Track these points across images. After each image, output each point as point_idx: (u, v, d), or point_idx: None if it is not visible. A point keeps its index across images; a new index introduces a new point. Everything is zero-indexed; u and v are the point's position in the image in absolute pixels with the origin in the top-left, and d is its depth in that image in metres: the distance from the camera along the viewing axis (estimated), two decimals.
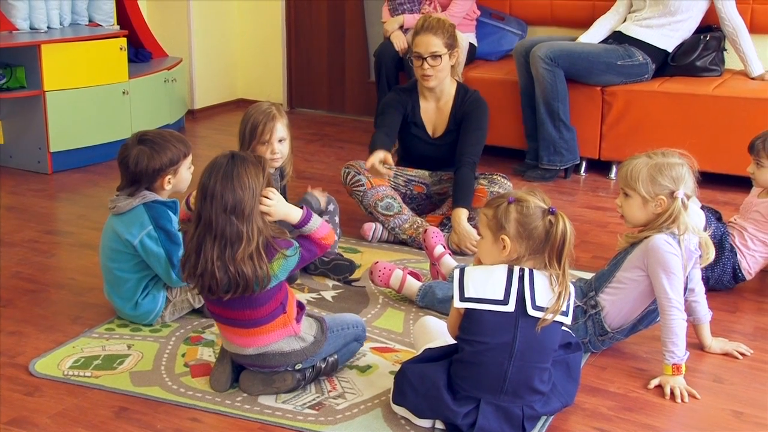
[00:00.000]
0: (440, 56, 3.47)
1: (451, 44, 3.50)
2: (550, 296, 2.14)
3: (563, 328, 2.38)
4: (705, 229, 2.66)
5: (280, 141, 3.02)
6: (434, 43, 3.46)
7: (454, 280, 2.16)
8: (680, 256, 2.44)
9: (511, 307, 2.11)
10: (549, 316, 2.11)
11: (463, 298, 2.13)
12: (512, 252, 2.14)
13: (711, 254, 2.53)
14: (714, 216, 3.04)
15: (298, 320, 2.37)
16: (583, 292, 2.63)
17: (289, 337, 2.35)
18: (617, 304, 2.56)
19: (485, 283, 2.13)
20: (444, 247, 3.12)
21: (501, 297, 2.12)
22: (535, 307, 2.12)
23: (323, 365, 2.42)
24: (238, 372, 2.42)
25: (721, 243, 2.99)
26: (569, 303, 2.17)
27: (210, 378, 2.45)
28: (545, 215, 2.12)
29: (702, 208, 2.75)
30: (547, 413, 2.24)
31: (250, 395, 2.39)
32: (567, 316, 2.17)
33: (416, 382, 2.19)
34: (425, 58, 3.47)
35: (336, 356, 2.45)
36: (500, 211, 2.15)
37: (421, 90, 3.61)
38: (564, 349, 2.32)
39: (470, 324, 2.14)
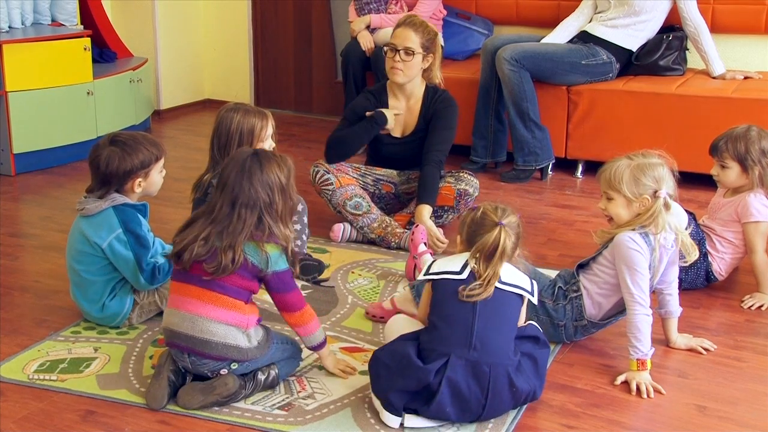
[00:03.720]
0: (413, 53, 3.48)
1: (428, 47, 3.51)
2: (519, 278, 2.30)
3: (533, 323, 2.42)
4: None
5: (271, 136, 3.08)
6: (411, 38, 3.48)
7: (424, 267, 2.37)
8: (644, 253, 2.48)
9: (464, 275, 2.26)
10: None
11: (426, 274, 2.34)
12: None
13: (694, 254, 2.57)
14: (691, 217, 3.08)
15: (258, 321, 2.38)
16: (566, 280, 2.68)
17: (239, 329, 2.32)
18: (592, 294, 2.61)
19: (446, 263, 2.33)
20: (426, 245, 3.14)
21: (457, 270, 2.29)
22: (499, 281, 2.27)
23: (263, 377, 2.38)
24: (175, 387, 2.36)
25: (699, 247, 3.03)
26: (533, 289, 2.33)
27: (146, 394, 2.37)
28: (493, 226, 2.30)
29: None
30: (519, 387, 2.24)
31: (189, 409, 2.31)
32: (533, 295, 2.33)
33: (387, 360, 2.25)
34: (398, 50, 3.48)
35: (277, 370, 2.41)
36: (463, 216, 2.40)
37: (391, 89, 3.62)
38: (532, 343, 2.35)
39: (435, 295, 2.31)
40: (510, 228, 2.29)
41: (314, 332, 2.41)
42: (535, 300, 2.35)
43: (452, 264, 2.31)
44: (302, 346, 2.49)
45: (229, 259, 2.25)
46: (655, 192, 2.51)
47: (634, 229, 2.51)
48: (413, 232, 3.16)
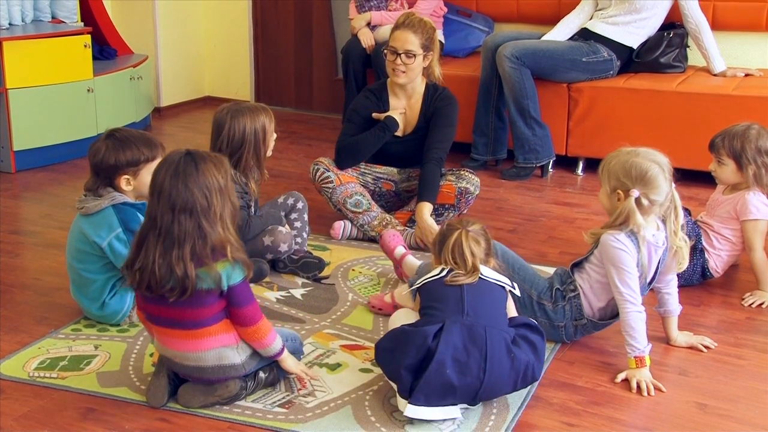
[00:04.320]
0: (414, 55, 3.47)
1: (428, 46, 3.50)
2: (495, 274, 2.39)
3: (529, 318, 2.43)
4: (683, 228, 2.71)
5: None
6: (411, 41, 3.46)
7: (411, 269, 2.49)
8: (630, 251, 2.48)
9: (444, 273, 2.37)
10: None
11: (411, 286, 2.48)
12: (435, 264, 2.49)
13: (684, 264, 2.57)
14: (686, 213, 3.07)
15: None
16: (562, 280, 2.68)
17: (230, 347, 2.27)
18: (587, 293, 2.61)
19: (428, 272, 2.43)
20: (404, 247, 3.11)
21: (437, 273, 2.39)
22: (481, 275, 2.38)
23: (265, 375, 2.38)
24: (175, 385, 2.35)
25: (695, 244, 3.03)
26: (513, 285, 2.43)
27: (146, 392, 2.36)
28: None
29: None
30: (517, 355, 2.24)
31: (191, 407, 2.31)
32: (514, 289, 2.43)
33: (386, 343, 2.31)
34: (399, 54, 3.48)
35: (277, 369, 2.40)
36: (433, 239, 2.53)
37: (392, 88, 3.62)
38: (526, 329, 2.37)
39: (422, 294, 2.42)
40: (475, 234, 2.40)
41: (270, 345, 2.31)
42: (517, 292, 2.45)
43: (431, 273, 2.41)
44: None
45: (182, 272, 2.12)
46: (628, 190, 2.49)
47: (621, 231, 2.50)
48: (381, 244, 3.11)
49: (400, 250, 3.07)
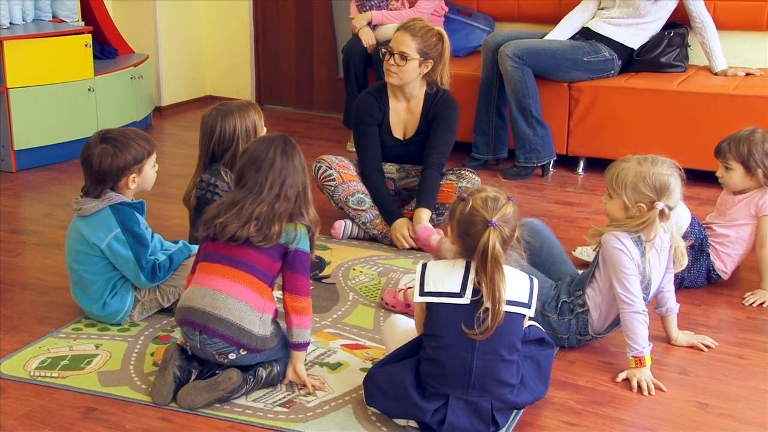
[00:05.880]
0: (407, 58, 3.45)
1: (426, 53, 3.46)
2: (516, 289, 2.17)
3: (535, 324, 2.40)
4: (687, 233, 2.70)
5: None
6: (407, 43, 3.44)
7: (416, 274, 2.21)
8: (629, 253, 2.47)
9: (466, 300, 2.14)
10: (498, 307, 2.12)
11: (422, 293, 2.18)
12: (455, 246, 2.21)
13: (684, 262, 2.57)
14: (692, 217, 3.07)
15: (274, 315, 2.40)
16: (570, 291, 2.65)
17: (255, 310, 2.34)
18: (600, 305, 2.59)
19: (444, 277, 2.18)
20: (437, 233, 3.13)
21: (457, 290, 2.15)
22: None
23: (265, 373, 2.39)
24: (180, 383, 2.36)
25: (701, 247, 3.03)
26: (532, 295, 2.20)
27: (151, 390, 2.37)
28: (484, 225, 2.12)
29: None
30: (518, 404, 2.25)
31: (193, 408, 2.31)
32: (529, 308, 2.20)
33: (384, 386, 2.21)
34: (393, 54, 3.47)
35: (278, 367, 2.41)
36: (452, 204, 2.24)
37: (392, 90, 3.60)
38: (536, 345, 2.34)
39: (431, 318, 2.19)
40: (504, 222, 2.13)
41: (307, 327, 2.40)
42: (532, 313, 2.22)
43: (450, 278, 2.16)
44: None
45: (275, 231, 2.35)
46: (653, 202, 2.48)
47: (627, 232, 2.50)
48: (416, 239, 3.13)
49: (435, 238, 3.08)
